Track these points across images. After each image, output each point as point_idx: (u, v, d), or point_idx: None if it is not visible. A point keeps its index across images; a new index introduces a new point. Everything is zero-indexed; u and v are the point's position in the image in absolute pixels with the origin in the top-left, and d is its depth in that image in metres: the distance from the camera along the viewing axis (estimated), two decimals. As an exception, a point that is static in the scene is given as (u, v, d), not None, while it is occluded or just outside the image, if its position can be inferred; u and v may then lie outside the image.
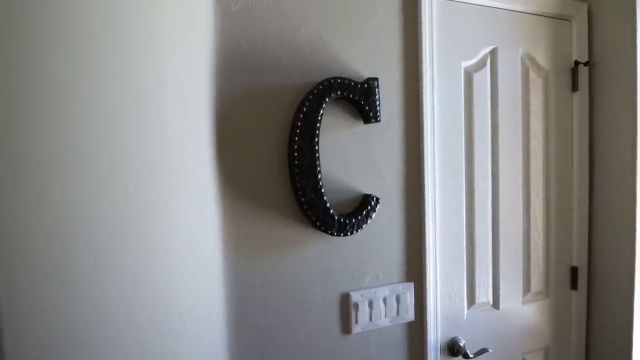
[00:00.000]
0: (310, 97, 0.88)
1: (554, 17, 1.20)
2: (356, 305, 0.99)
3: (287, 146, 0.90)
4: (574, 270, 1.27)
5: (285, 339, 0.93)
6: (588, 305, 1.28)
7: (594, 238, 1.26)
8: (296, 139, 0.88)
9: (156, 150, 0.79)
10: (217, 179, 0.86)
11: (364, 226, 0.96)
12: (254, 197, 0.89)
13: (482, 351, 1.10)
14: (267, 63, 0.89)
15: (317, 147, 0.89)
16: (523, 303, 1.22)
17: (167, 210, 0.81)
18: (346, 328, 0.99)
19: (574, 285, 1.27)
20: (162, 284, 0.80)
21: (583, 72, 1.22)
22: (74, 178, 0.73)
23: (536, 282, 1.24)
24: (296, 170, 0.88)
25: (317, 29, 0.93)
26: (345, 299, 0.98)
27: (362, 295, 1.00)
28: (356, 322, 0.99)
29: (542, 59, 1.20)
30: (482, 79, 1.13)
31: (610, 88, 1.18)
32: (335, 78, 0.90)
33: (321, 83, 0.89)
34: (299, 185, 0.88)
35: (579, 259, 1.27)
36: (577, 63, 1.22)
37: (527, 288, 1.22)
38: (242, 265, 0.88)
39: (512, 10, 1.14)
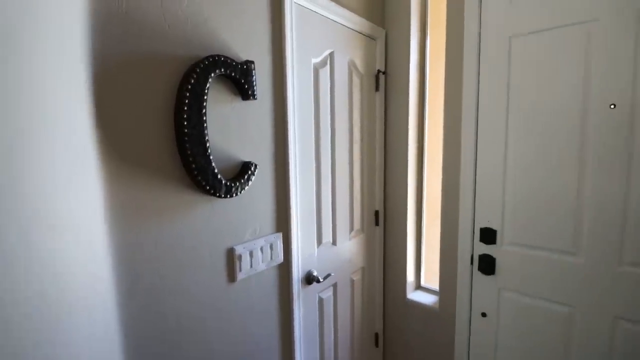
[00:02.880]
0: (197, 70, 0.95)
1: (367, 36, 1.69)
2: (240, 257, 1.16)
3: (173, 115, 0.94)
4: (377, 213, 1.89)
5: (177, 299, 0.99)
6: (384, 235, 1.94)
7: (387, 190, 1.91)
8: (185, 108, 0.94)
9: (27, 117, 0.68)
10: (99, 148, 0.81)
11: (245, 188, 1.12)
12: (141, 165, 0.89)
13: (327, 276, 1.51)
14: (150, 29, 0.89)
15: (205, 118, 0.98)
16: (349, 239, 1.72)
17: (43, 183, 0.71)
18: (232, 277, 1.15)
19: (377, 223, 1.90)
20: (48, 264, 0.71)
21: (382, 78, 1.79)
22: None
23: (357, 223, 1.76)
24: (186, 139, 0.94)
25: (199, 3, 0.98)
26: (230, 253, 1.14)
27: (244, 248, 1.17)
28: (240, 270, 1.16)
29: (360, 66, 1.68)
30: (325, 75, 1.48)
31: (395, 90, 1.80)
32: (219, 55, 1.00)
33: (206, 58, 0.97)
34: (189, 152, 0.95)
35: (379, 204, 1.89)
36: (379, 71, 1.77)
37: (351, 228, 1.73)
38: (132, 234, 0.88)
39: (343, 25, 1.53)
